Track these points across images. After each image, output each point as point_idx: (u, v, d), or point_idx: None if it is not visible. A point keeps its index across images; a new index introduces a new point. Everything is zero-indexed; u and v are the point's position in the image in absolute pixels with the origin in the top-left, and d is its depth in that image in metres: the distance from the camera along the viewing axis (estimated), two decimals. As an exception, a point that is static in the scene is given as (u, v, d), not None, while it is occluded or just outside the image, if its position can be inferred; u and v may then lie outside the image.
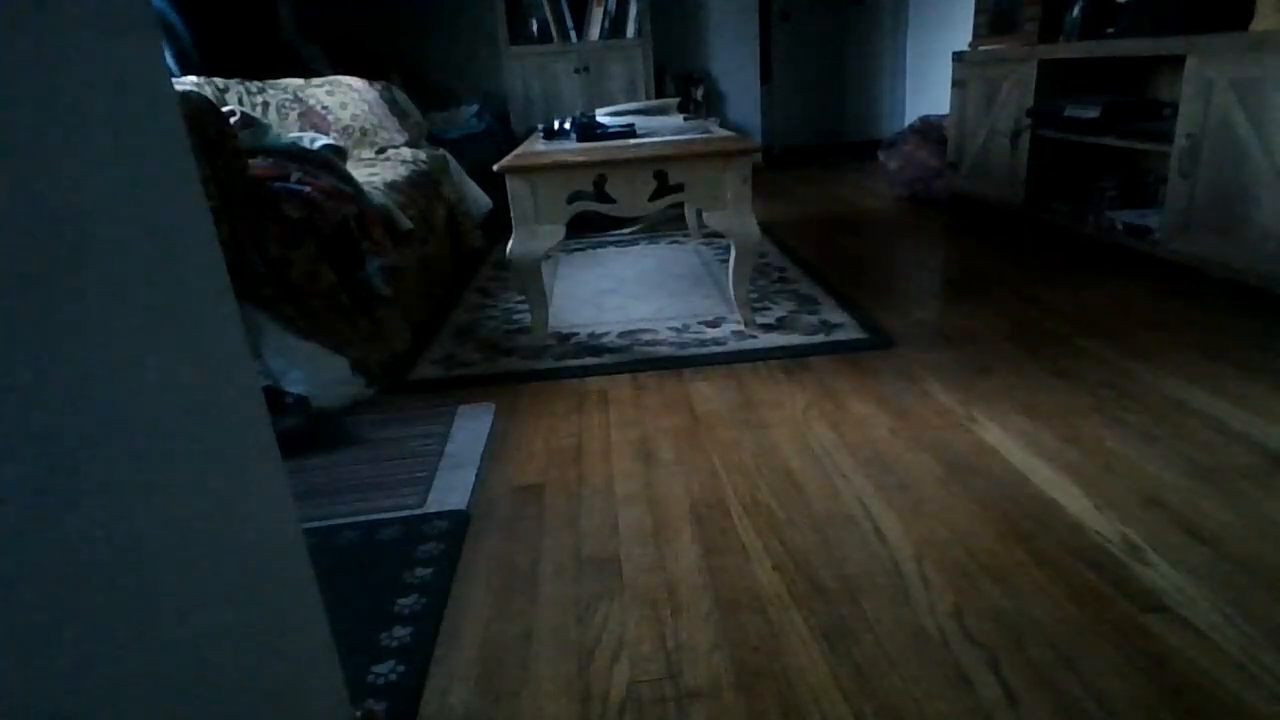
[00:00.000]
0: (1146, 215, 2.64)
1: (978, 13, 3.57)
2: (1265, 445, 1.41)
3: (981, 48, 3.47)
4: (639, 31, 4.33)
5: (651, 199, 2.06)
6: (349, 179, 2.14)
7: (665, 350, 2.09)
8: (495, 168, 2.00)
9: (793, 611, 1.07)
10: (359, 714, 0.94)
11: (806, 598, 1.10)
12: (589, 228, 3.51)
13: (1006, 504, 1.29)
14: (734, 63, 5.11)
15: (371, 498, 1.44)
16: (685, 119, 2.68)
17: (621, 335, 2.24)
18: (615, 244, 3.46)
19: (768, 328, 2.21)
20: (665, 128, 2.41)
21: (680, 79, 5.00)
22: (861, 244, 3.19)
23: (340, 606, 1.03)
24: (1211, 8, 2.31)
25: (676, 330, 2.25)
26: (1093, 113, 2.72)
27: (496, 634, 1.08)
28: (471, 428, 1.70)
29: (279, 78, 3.17)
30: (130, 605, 0.46)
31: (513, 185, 2.01)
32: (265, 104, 3.01)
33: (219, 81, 2.94)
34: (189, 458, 0.54)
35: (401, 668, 1.01)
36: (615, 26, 4.33)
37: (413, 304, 2.34)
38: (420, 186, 2.75)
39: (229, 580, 0.58)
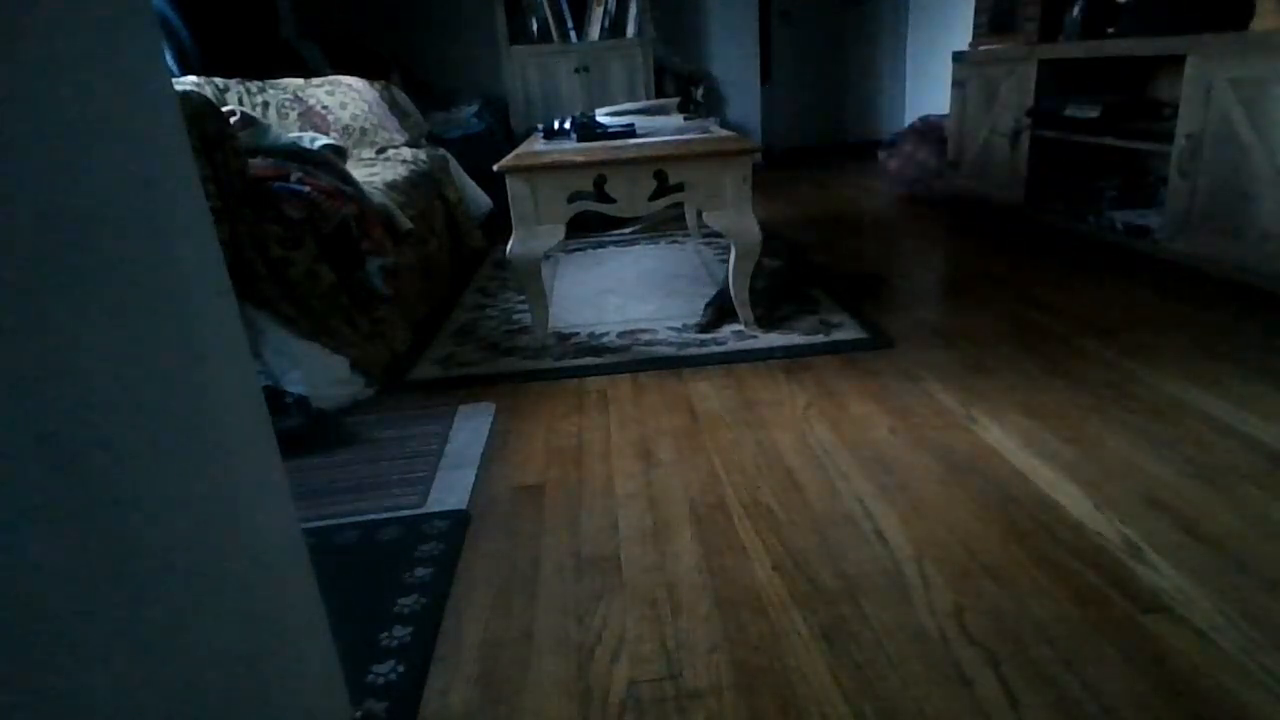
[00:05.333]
0: (1146, 215, 2.64)
1: (978, 13, 3.57)
2: (1265, 445, 1.41)
3: (981, 48, 3.47)
4: (639, 31, 4.32)
5: (651, 199, 2.05)
6: (349, 179, 2.14)
7: (665, 350, 2.09)
8: (495, 168, 2.00)
9: (793, 611, 1.07)
10: (359, 714, 0.94)
11: (806, 598, 1.10)
12: (589, 228, 3.51)
13: (1006, 504, 1.29)
14: (734, 63, 5.11)
15: (371, 498, 1.44)
16: (685, 119, 2.68)
17: (621, 335, 2.24)
18: (615, 244, 3.46)
19: (768, 328, 2.21)
20: (665, 128, 2.41)
21: (680, 79, 5.00)
22: (862, 244, 3.19)
23: (340, 606, 1.02)
24: (1211, 8, 2.31)
25: (676, 330, 2.24)
26: (1093, 113, 2.73)
27: (496, 634, 1.08)
28: (471, 428, 1.70)
29: (279, 78, 3.17)
30: (129, 605, 0.46)
31: (513, 185, 2.01)
32: (265, 104, 3.01)
33: (219, 81, 2.94)
34: (189, 457, 0.54)
35: (401, 668, 1.01)
36: (615, 26, 4.33)
37: (413, 304, 2.34)
38: (420, 186, 2.75)
39: (229, 580, 0.58)
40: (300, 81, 3.18)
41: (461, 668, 1.02)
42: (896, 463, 1.44)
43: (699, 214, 2.47)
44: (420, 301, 2.43)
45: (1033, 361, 1.85)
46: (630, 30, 4.33)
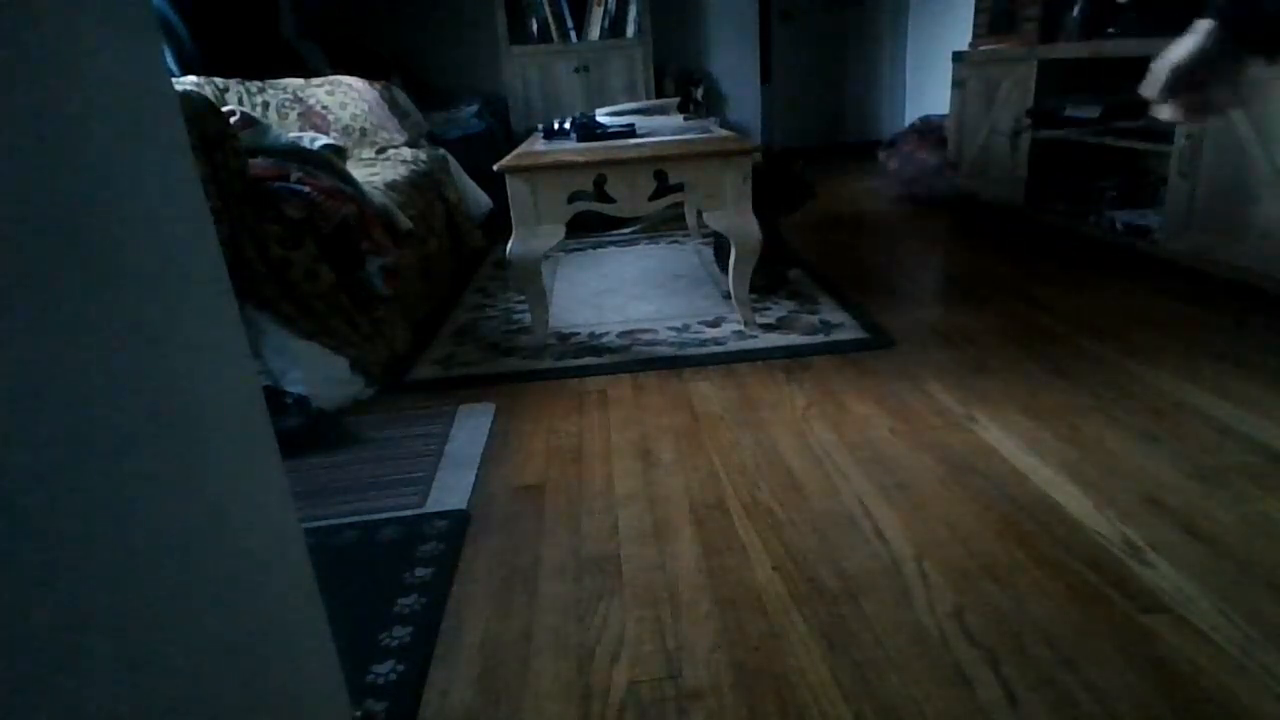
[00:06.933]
0: (1146, 215, 2.64)
1: (978, 13, 3.57)
2: (1265, 445, 1.41)
3: (981, 48, 3.47)
4: (639, 31, 4.32)
5: (651, 199, 2.05)
6: (349, 179, 2.14)
7: (665, 350, 2.09)
8: (495, 168, 2.00)
9: (793, 611, 1.07)
10: (359, 714, 0.94)
11: (806, 598, 1.10)
12: (589, 228, 3.51)
13: (1006, 504, 1.29)
14: (734, 63, 5.11)
15: (371, 498, 1.44)
16: (685, 119, 2.68)
17: (621, 335, 2.24)
18: (615, 244, 3.46)
19: (768, 328, 2.21)
20: (665, 128, 2.41)
21: (680, 79, 5.00)
22: (861, 244, 3.19)
23: (340, 606, 1.03)
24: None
25: (676, 330, 2.25)
26: (1093, 113, 2.72)
27: (496, 634, 1.08)
28: (471, 428, 1.70)
29: (279, 78, 3.17)
30: (129, 605, 0.46)
31: (513, 185, 2.01)
32: (265, 104, 3.01)
33: (219, 81, 2.94)
34: (189, 457, 0.54)
35: (401, 668, 1.01)
36: (615, 26, 4.33)
37: (413, 304, 2.34)
38: (420, 186, 2.75)
39: (229, 580, 0.58)
40: (300, 81, 3.18)
41: (461, 668, 1.02)
42: (896, 463, 1.44)
43: (699, 214, 2.47)
44: (420, 301, 2.43)
45: (1033, 361, 1.85)
46: (630, 30, 4.33)
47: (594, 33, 4.33)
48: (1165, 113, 0.93)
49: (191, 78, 2.86)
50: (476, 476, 1.49)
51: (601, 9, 4.29)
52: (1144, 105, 0.97)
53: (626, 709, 0.93)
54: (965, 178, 3.58)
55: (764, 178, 2.35)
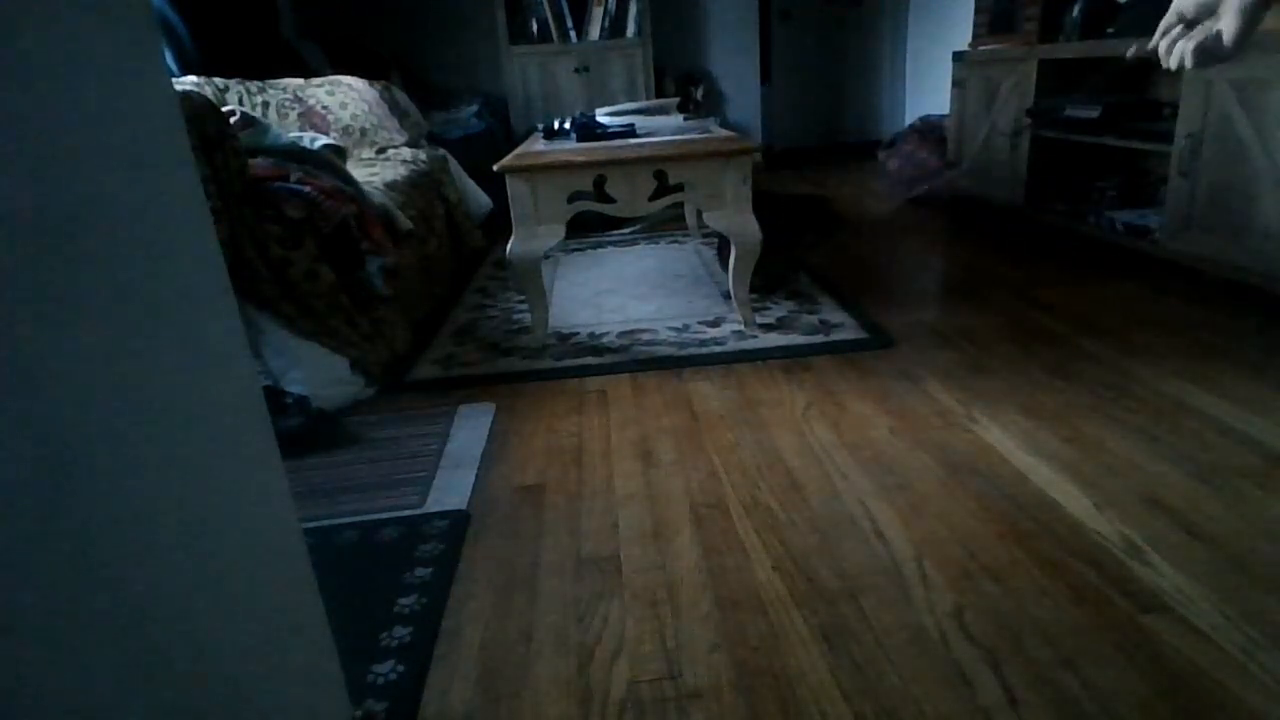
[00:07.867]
0: (1146, 215, 2.64)
1: (978, 13, 3.57)
2: (1265, 445, 1.41)
3: (981, 47, 3.47)
4: (639, 31, 4.32)
5: (651, 199, 2.05)
6: (349, 179, 2.14)
7: (665, 350, 2.09)
8: (495, 168, 2.00)
9: (793, 611, 1.07)
10: (359, 714, 0.94)
11: (806, 598, 1.10)
12: (589, 228, 3.51)
13: (1006, 504, 1.29)
14: (734, 63, 5.11)
15: (371, 498, 1.44)
16: (685, 119, 2.68)
17: (621, 335, 2.24)
18: (615, 244, 3.46)
19: (767, 328, 2.21)
20: (665, 128, 2.41)
21: (680, 79, 5.00)
22: (861, 244, 3.19)
23: (340, 606, 1.03)
24: (1211, 8, 2.31)
25: (676, 330, 2.25)
26: (1093, 113, 2.73)
27: (496, 634, 1.08)
28: (471, 428, 1.70)
29: (279, 78, 3.17)
30: (130, 605, 0.46)
31: (513, 185, 2.01)
32: (265, 104, 3.01)
33: (219, 81, 2.94)
34: (189, 457, 0.54)
35: (401, 668, 1.01)
36: (615, 26, 4.33)
37: (413, 304, 2.34)
38: (420, 186, 2.75)
39: (229, 580, 0.58)
40: (300, 81, 3.18)
41: (461, 668, 1.02)
42: (896, 463, 1.44)
43: (699, 214, 2.48)
44: (420, 301, 2.43)
45: (1033, 361, 1.85)
46: (630, 30, 4.33)
47: (594, 33, 4.33)
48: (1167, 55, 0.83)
49: (191, 78, 2.86)
50: (476, 476, 1.49)
51: (601, 9, 4.29)
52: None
53: (626, 709, 0.93)
54: (965, 178, 3.58)
55: (802, 206, 2.41)
